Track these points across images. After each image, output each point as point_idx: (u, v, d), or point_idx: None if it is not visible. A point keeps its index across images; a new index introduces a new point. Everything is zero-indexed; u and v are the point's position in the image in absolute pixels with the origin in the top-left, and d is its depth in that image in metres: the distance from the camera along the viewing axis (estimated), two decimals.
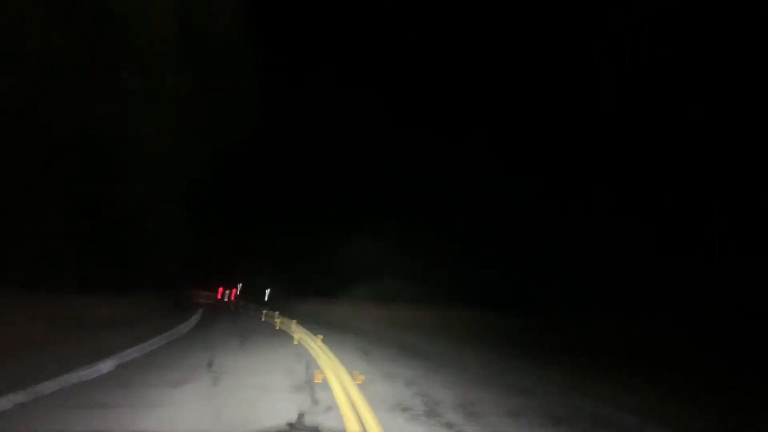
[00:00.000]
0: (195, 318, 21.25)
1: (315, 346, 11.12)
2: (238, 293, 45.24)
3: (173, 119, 20.88)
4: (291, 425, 4.50)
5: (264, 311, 26.70)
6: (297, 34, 30.33)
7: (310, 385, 6.59)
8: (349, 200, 31.25)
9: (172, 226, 33.33)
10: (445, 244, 22.48)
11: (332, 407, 5.38)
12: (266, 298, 42.74)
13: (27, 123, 14.94)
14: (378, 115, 26.68)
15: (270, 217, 44.09)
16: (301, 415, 4.93)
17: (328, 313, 26.25)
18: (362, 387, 6.56)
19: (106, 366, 7.26)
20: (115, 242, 23.67)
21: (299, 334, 14.19)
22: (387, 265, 25.94)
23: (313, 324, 19.48)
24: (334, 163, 32.58)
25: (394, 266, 25.35)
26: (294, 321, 19.11)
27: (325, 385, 6.63)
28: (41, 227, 17.54)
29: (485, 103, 20.64)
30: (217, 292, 44.58)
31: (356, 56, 29.29)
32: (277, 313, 25.00)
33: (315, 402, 5.62)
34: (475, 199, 20.31)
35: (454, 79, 23.12)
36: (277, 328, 17.45)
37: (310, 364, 8.56)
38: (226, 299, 43.90)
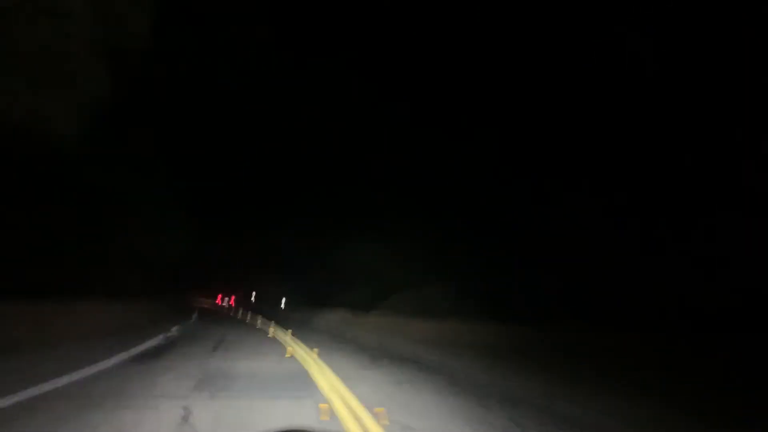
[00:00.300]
0: (163, 336, 13.91)
1: None
2: (253, 301, 42.48)
3: None
4: None
5: (271, 327, 19.24)
6: (298, 31, 27.20)
7: None
8: (367, 206, 27.89)
9: (162, 227, 29.00)
10: (478, 251, 19.39)
11: None
12: (282, 306, 39.26)
13: None
14: (392, 113, 25.13)
15: (284, 228, 40.60)
16: None
17: (357, 331, 18.75)
18: None
19: None
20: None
21: (329, 387, 6.71)
22: (414, 276, 21.98)
23: (343, 349, 11.94)
24: (346, 165, 29.82)
25: (422, 277, 21.41)
26: (315, 351, 11.49)
27: None
28: None
29: (498, 98, 19.67)
30: (216, 297, 44.78)
31: (357, 57, 26.02)
32: (290, 331, 17.51)
33: None
34: (505, 203, 18.58)
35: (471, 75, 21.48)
36: (287, 354, 10.11)
37: None
38: (225, 305, 42.31)
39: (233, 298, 43.39)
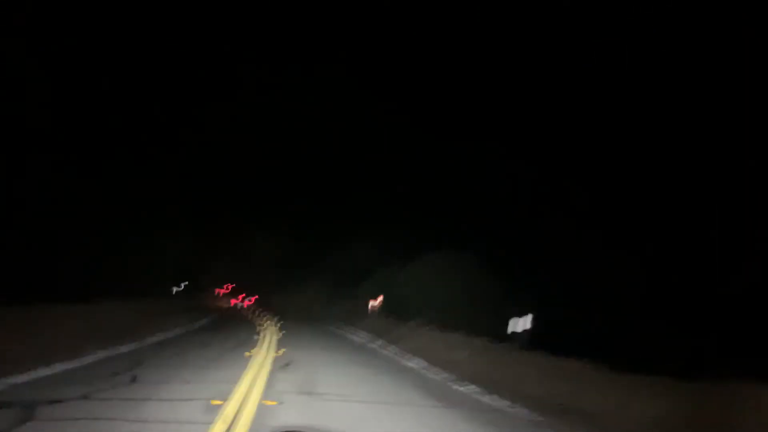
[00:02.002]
0: None
1: None
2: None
3: None
4: None
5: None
6: (298, 27, 27.50)
7: None
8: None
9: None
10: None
11: None
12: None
13: None
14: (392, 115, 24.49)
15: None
16: None
17: None
18: None
19: None
20: None
21: None
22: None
23: None
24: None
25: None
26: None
27: None
28: None
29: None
30: (237, 298, 48.55)
31: (357, 54, 27.10)
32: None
33: None
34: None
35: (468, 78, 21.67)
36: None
37: None
38: (239, 307, 45.36)
39: (253, 299, 46.99)
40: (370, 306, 23.35)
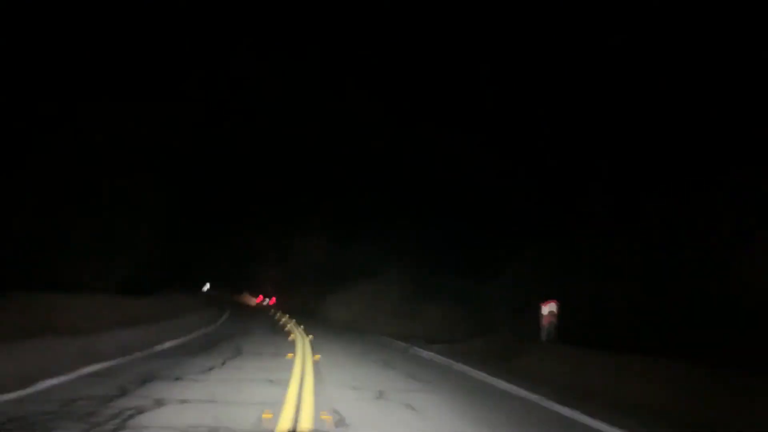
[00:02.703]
0: None
1: None
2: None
3: None
4: None
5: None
6: (298, 23, 27.21)
7: None
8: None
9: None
10: None
11: None
12: None
13: None
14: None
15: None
16: None
17: None
18: None
19: None
20: None
21: None
22: None
23: None
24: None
25: None
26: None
27: None
28: None
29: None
30: (258, 297, 53.23)
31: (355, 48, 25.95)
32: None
33: None
34: None
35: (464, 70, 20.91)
36: None
37: None
38: (265, 303, 49.25)
39: (273, 299, 49.19)
40: (547, 316, 10.93)
